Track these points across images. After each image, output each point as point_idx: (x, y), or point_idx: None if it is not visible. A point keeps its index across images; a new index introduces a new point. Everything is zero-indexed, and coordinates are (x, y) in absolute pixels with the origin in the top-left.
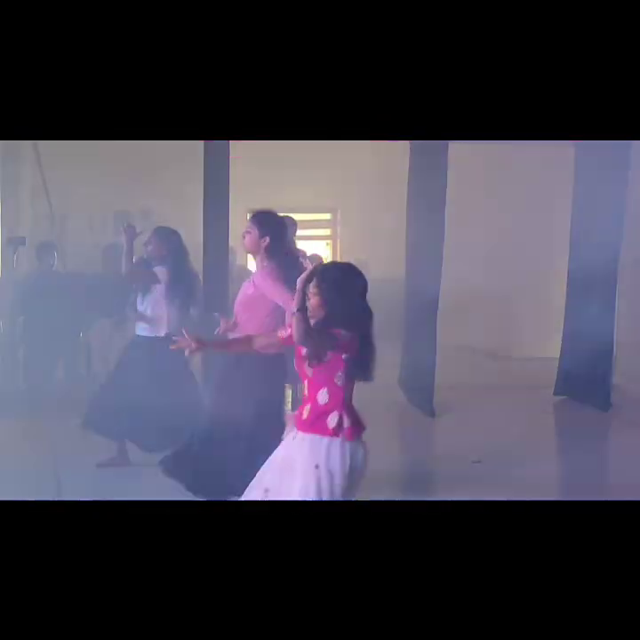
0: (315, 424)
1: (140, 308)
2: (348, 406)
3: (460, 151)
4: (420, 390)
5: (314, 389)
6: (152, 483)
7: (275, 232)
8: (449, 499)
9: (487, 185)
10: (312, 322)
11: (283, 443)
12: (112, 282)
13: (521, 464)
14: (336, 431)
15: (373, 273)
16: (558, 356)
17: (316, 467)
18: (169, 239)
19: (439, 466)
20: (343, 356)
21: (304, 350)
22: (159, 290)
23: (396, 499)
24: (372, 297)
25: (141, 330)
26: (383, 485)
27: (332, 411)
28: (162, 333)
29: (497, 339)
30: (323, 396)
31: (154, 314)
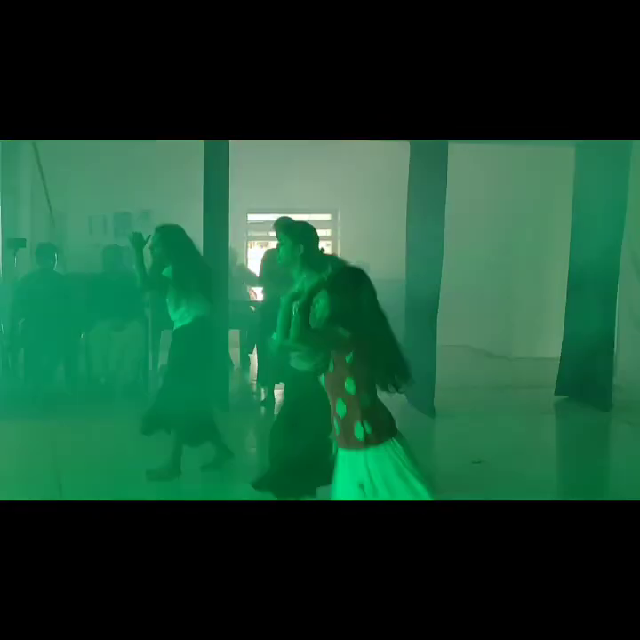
0: (346, 439)
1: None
2: (367, 412)
3: (460, 151)
4: (421, 390)
5: (333, 403)
6: (153, 483)
7: (308, 239)
8: (449, 499)
9: (487, 185)
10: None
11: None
12: (112, 282)
13: (521, 464)
14: (366, 442)
15: (373, 274)
16: (559, 356)
17: (361, 486)
18: (172, 237)
19: (439, 466)
20: (346, 360)
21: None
22: (171, 287)
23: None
24: None
25: (174, 323)
26: None
27: (354, 421)
28: (186, 322)
29: (497, 339)
30: (340, 409)
31: (172, 306)
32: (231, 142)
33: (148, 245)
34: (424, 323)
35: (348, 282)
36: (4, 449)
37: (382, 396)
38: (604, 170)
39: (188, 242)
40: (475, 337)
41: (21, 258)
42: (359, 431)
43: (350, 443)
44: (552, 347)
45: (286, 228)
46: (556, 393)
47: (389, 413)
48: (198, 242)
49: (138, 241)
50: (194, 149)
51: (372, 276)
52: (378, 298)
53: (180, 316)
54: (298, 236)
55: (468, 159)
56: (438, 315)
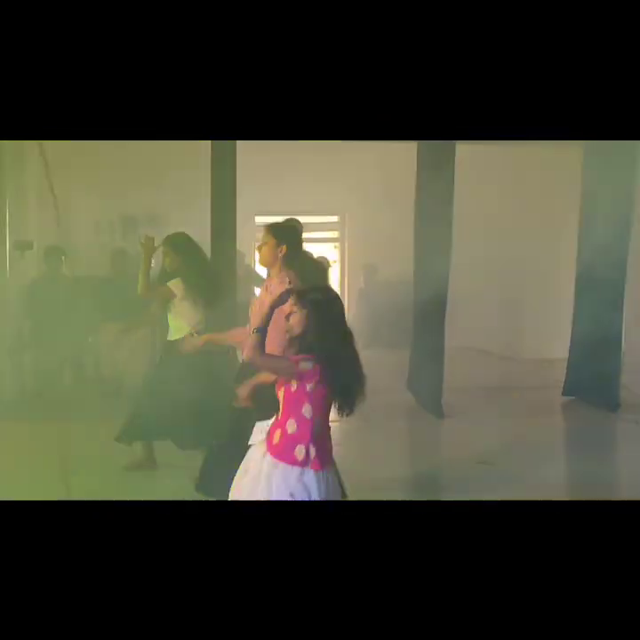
0: (284, 453)
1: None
2: (315, 438)
3: (467, 152)
4: (429, 392)
5: (284, 416)
6: (156, 484)
7: (291, 240)
8: (458, 499)
9: (494, 186)
10: (288, 338)
11: (253, 457)
12: (120, 286)
13: (530, 464)
14: (304, 462)
15: (381, 275)
16: (567, 357)
17: (291, 495)
18: (180, 247)
19: (448, 467)
20: (308, 388)
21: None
22: (178, 298)
23: (405, 499)
24: (380, 299)
25: (170, 334)
26: (392, 486)
27: (298, 442)
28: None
29: (505, 340)
30: (291, 426)
31: (175, 318)
32: (239, 145)
33: (158, 252)
34: (432, 324)
35: (318, 300)
36: (12, 450)
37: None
38: (612, 171)
39: (198, 249)
40: (482, 338)
41: (29, 260)
42: (301, 452)
43: (288, 458)
44: (560, 347)
45: (271, 226)
46: (564, 393)
47: (331, 442)
48: (206, 244)
49: (149, 246)
50: (201, 152)
51: (379, 277)
52: (386, 299)
53: (178, 327)
54: (281, 236)
55: (476, 160)
56: (446, 316)
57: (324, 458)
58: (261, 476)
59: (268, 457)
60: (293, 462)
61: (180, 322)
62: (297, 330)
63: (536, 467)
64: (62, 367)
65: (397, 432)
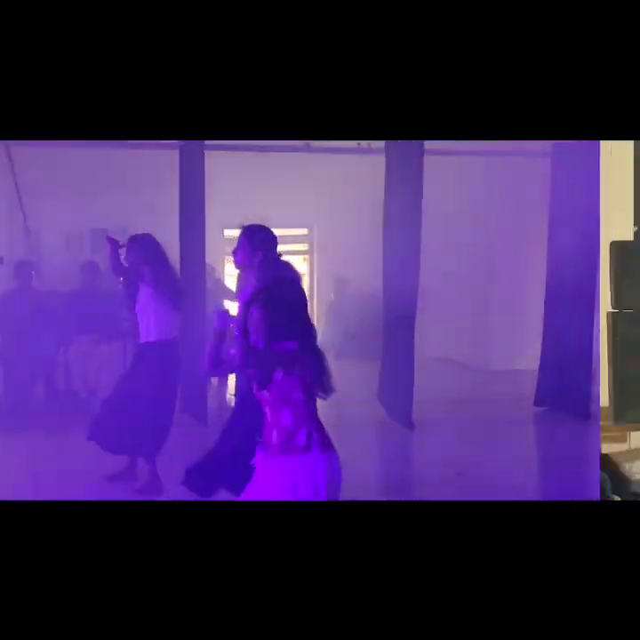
0: (285, 446)
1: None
2: (315, 420)
3: (435, 164)
4: (399, 404)
5: (275, 412)
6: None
7: (267, 246)
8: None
9: (463, 197)
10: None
11: (256, 472)
12: (90, 298)
13: (502, 475)
14: (307, 447)
15: (351, 288)
16: (537, 368)
17: (294, 485)
18: (146, 245)
19: (419, 478)
20: (295, 371)
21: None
22: (145, 295)
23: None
24: (350, 311)
25: (140, 337)
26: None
27: (299, 428)
28: (151, 338)
29: (475, 351)
30: (285, 417)
31: (143, 319)
32: (207, 158)
33: (122, 252)
34: (402, 335)
35: (280, 294)
36: None
37: None
38: (577, 177)
39: (162, 248)
40: (452, 349)
41: None
42: (304, 437)
43: (290, 449)
44: (531, 358)
45: (246, 232)
46: (536, 404)
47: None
48: (175, 257)
49: (113, 241)
50: (169, 164)
51: (349, 289)
52: (356, 311)
53: (148, 329)
54: (257, 243)
55: (444, 171)
56: (416, 328)
57: (327, 440)
58: (266, 479)
59: (271, 459)
60: (295, 451)
61: (149, 324)
62: (260, 323)
63: (508, 477)
64: (34, 381)
65: (367, 444)
